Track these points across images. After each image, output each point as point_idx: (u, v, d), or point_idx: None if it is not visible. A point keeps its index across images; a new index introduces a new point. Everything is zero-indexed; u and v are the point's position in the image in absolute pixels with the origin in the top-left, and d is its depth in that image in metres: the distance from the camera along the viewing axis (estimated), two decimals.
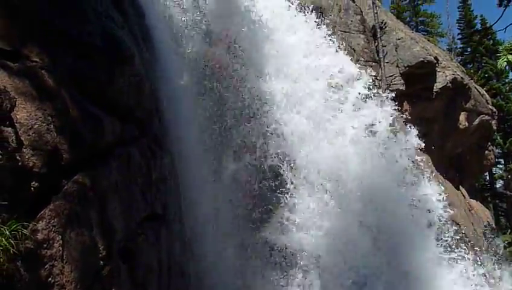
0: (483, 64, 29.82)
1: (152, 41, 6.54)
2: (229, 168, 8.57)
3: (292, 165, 9.07)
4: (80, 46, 4.23)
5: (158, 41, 6.75)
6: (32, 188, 3.20)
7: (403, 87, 15.52)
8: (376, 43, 15.59)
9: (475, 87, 19.10)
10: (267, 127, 9.17)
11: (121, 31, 5.26)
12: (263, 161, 8.94)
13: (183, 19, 8.23)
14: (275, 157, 8.99)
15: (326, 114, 10.05)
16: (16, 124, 3.12)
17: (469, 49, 31.48)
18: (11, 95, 3.08)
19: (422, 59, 15.74)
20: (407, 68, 15.62)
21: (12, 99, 3.07)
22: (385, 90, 14.18)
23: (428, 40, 20.53)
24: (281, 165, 8.96)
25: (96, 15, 4.77)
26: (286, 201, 8.80)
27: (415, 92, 15.84)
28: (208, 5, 8.94)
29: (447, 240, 10.83)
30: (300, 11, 11.35)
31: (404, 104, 15.41)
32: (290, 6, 11.29)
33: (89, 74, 4.18)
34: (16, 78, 3.27)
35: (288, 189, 8.88)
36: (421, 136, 11.74)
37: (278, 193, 8.85)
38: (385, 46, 15.69)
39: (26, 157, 3.16)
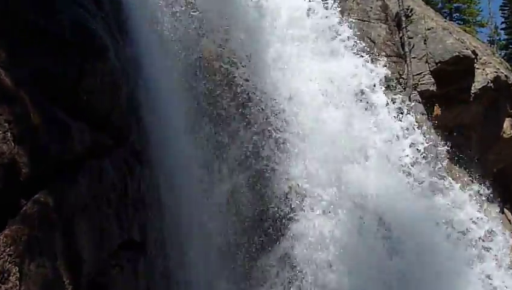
0: None
1: (130, 32, 6.63)
2: (224, 185, 8.66)
3: (303, 183, 9.21)
4: (46, 39, 4.29)
5: (137, 32, 6.84)
6: None
7: (433, 88, 15.61)
8: (401, 35, 15.71)
9: None
10: (273, 136, 9.31)
11: (93, 20, 5.35)
12: (268, 175, 9.07)
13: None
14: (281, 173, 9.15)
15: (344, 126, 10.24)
16: None
17: None
18: None
19: (457, 54, 15.84)
20: (439, 64, 15.71)
21: None
22: (412, 90, 14.29)
23: (465, 31, 20.67)
24: (289, 185, 9.11)
25: (65, 2, 4.85)
26: (292, 227, 8.93)
27: (449, 94, 15.92)
28: None
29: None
30: None
31: (435, 107, 15.50)
32: None
33: (54, 72, 4.23)
34: None
35: (295, 213, 9.01)
36: (456, 146, 11.83)
37: (285, 217, 8.97)
38: (412, 37, 15.81)
39: None
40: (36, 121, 3.78)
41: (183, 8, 8.42)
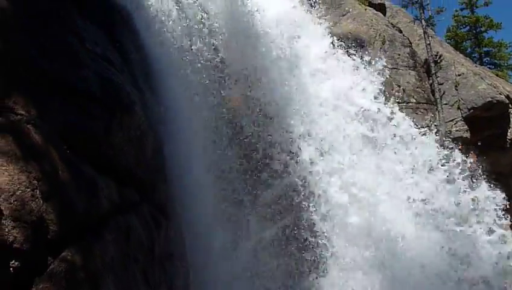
0: None
1: (156, 84, 6.82)
2: (250, 241, 8.62)
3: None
4: (73, 95, 4.46)
5: (163, 84, 7.03)
6: (11, 268, 3.27)
7: (467, 135, 15.48)
8: (431, 81, 15.77)
9: None
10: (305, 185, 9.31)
11: (120, 74, 5.54)
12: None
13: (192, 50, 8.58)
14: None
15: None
16: None
17: None
18: None
19: (490, 99, 15.77)
20: (472, 111, 15.64)
21: None
22: (445, 138, 14.18)
23: (497, 75, 20.65)
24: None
25: (92, 57, 5.05)
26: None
27: (484, 140, 15.74)
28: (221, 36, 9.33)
29: None
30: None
31: (471, 155, 15.30)
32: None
33: (82, 127, 4.36)
34: None
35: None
36: None
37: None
38: (442, 84, 15.85)
39: (6, 230, 3.26)
40: (64, 177, 3.86)
41: (208, 62, 8.63)
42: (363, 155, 10.50)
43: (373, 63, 11.88)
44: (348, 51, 11.87)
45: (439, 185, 10.96)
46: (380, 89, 11.59)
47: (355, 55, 11.88)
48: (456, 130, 15.28)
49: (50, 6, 4.77)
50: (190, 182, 7.03)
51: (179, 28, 8.01)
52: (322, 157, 9.88)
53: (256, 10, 9.78)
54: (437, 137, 11.96)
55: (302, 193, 9.40)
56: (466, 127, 15.57)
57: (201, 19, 8.70)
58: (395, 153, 10.89)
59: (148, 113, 5.83)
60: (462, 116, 15.67)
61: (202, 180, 7.68)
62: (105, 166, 4.66)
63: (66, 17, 5.05)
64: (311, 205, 9.32)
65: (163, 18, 7.70)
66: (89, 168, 4.34)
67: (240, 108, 9.50)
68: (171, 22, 7.85)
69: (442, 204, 10.65)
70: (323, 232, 9.19)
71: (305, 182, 9.49)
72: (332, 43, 11.83)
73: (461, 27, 29.42)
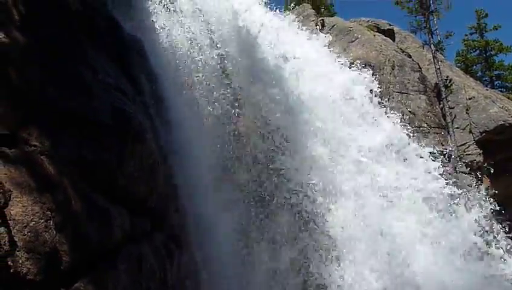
0: None
1: (167, 112, 6.88)
2: (265, 262, 8.59)
3: None
4: (85, 126, 4.50)
5: (174, 112, 7.08)
6: None
7: (480, 158, 15.39)
8: (441, 105, 15.77)
9: None
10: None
11: (131, 104, 5.59)
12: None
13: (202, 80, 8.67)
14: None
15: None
16: (9, 222, 3.28)
17: None
18: (5, 188, 3.27)
19: (502, 122, 15.71)
20: (484, 134, 15.58)
21: (7, 193, 3.25)
22: (457, 162, 14.10)
23: (509, 98, 20.57)
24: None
25: (103, 88, 5.11)
26: None
27: (497, 164, 15.62)
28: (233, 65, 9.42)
29: None
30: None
31: (484, 179, 15.17)
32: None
33: (95, 158, 4.39)
34: (12, 166, 3.48)
35: None
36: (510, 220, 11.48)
37: None
38: (453, 108, 15.84)
39: (20, 262, 3.28)
40: (77, 208, 3.89)
41: (220, 90, 8.71)
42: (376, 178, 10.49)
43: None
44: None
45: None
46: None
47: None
48: (469, 154, 15.19)
49: (63, 39, 4.86)
50: (202, 210, 7.02)
51: (190, 58, 8.11)
52: (333, 181, 9.86)
53: (269, 44, 9.90)
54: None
55: (316, 218, 9.35)
56: (479, 150, 15.49)
57: (214, 51, 8.81)
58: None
59: (160, 142, 5.87)
60: (474, 140, 15.60)
61: (213, 209, 7.67)
62: (118, 195, 4.68)
63: (78, 49, 5.14)
64: (325, 229, 9.30)
65: (174, 48, 7.81)
66: (101, 198, 4.36)
67: (252, 136, 9.53)
68: (182, 52, 7.95)
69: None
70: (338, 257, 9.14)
71: (317, 204, 9.46)
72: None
73: (471, 51, 29.46)
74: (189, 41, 8.23)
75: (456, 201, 11.16)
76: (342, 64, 12.29)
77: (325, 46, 12.47)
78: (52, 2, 5.14)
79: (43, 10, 4.90)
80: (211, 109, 8.52)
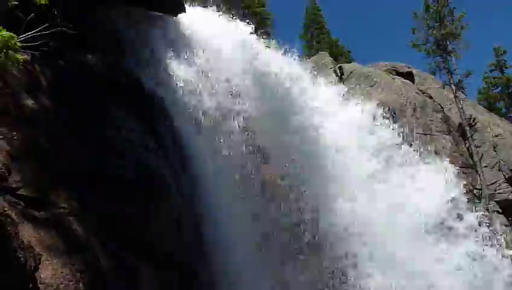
0: None
1: (191, 165, 6.92)
2: None
3: None
4: (111, 183, 4.58)
5: (198, 164, 7.11)
6: None
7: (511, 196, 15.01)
8: (467, 144, 15.54)
9: None
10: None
11: (155, 159, 5.67)
12: None
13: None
14: None
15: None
16: (39, 286, 3.30)
17: None
18: (35, 252, 3.31)
19: None
20: None
21: (37, 257, 3.29)
22: (488, 201, 13.80)
23: None
24: None
25: (128, 145, 5.21)
26: None
27: None
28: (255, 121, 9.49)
29: None
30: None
31: None
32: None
33: (121, 215, 4.44)
34: (41, 229, 3.54)
35: None
36: None
37: None
38: (479, 146, 15.58)
39: None
40: (106, 267, 3.90)
41: (240, 138, 8.75)
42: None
43: None
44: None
45: None
46: None
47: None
48: (499, 193, 14.83)
49: (88, 101, 5.02)
50: (233, 263, 6.95)
51: (212, 110, 8.21)
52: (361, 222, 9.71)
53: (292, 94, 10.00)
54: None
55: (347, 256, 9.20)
56: (510, 188, 15.12)
57: (234, 104, 8.91)
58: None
59: (186, 196, 5.90)
60: (504, 178, 15.25)
61: (245, 260, 7.59)
62: (145, 250, 4.70)
63: (103, 108, 5.29)
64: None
65: (195, 102, 7.92)
66: (129, 255, 4.38)
67: (277, 185, 9.50)
68: (204, 106, 8.05)
69: None
70: None
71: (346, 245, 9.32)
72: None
73: (493, 88, 29.24)
74: (211, 95, 8.33)
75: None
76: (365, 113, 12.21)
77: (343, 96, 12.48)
78: (77, 67, 5.34)
79: (68, 75, 5.10)
80: (236, 161, 8.54)
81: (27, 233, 3.43)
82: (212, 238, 6.46)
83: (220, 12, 10.20)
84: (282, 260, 8.62)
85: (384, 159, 11.21)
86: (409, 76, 17.47)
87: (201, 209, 6.43)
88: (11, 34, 3.55)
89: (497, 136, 16.28)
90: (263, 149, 9.57)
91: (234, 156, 8.50)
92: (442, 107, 15.88)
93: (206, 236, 6.35)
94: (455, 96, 16.75)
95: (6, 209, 3.04)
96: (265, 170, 9.55)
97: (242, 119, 9.04)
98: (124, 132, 5.42)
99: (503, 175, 15.49)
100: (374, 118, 12.13)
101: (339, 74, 15.41)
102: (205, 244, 6.24)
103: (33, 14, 4.02)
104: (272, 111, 9.74)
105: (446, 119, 15.28)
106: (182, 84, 7.92)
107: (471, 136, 15.52)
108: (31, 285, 3.21)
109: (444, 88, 18.28)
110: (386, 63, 17.99)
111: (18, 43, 3.63)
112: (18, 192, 3.63)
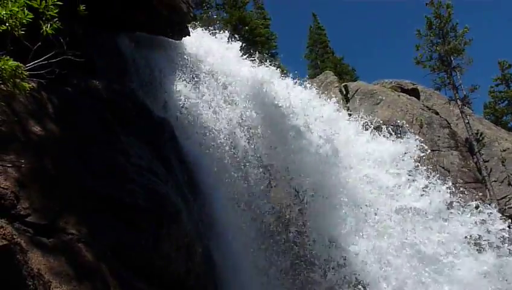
0: None
1: (200, 190, 6.91)
2: None
3: None
4: (121, 209, 4.55)
5: (207, 189, 7.10)
6: None
7: None
8: (475, 159, 15.47)
9: None
10: None
11: (164, 185, 5.65)
12: None
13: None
14: None
15: None
16: None
17: None
18: (45, 279, 3.27)
19: None
20: None
21: (46, 284, 3.25)
22: (500, 217, 13.66)
23: None
24: None
25: (137, 171, 5.20)
26: None
27: None
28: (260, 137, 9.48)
29: None
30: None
31: None
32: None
33: (131, 241, 4.40)
34: (50, 256, 3.50)
35: None
36: None
37: None
38: (488, 161, 15.52)
39: None
40: None
41: (251, 163, 8.74)
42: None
43: None
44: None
45: None
46: None
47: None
48: (510, 207, 14.71)
49: (96, 127, 5.02)
50: (243, 284, 6.89)
51: (222, 136, 8.21)
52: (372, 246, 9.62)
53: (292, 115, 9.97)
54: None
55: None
56: None
57: (244, 134, 8.92)
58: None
59: (195, 221, 5.87)
60: None
61: (255, 284, 7.52)
62: (156, 276, 4.64)
63: (111, 135, 5.29)
64: None
65: (203, 127, 7.92)
66: (139, 282, 4.33)
67: (285, 211, 9.48)
68: (211, 132, 8.05)
69: None
70: None
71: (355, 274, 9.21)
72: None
73: (499, 102, 29.24)
74: (218, 121, 8.33)
75: None
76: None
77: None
78: (84, 93, 5.36)
79: (75, 101, 5.11)
80: (246, 186, 8.51)
81: (36, 260, 3.40)
82: (223, 263, 6.42)
83: (226, 34, 10.29)
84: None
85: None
86: (414, 92, 17.51)
87: (212, 235, 6.41)
88: (18, 63, 3.60)
89: (505, 150, 16.24)
90: (272, 171, 9.56)
91: (243, 179, 8.49)
92: (448, 123, 15.88)
93: (217, 262, 6.32)
94: (461, 112, 16.75)
95: (15, 237, 3.01)
96: (274, 192, 9.54)
97: (249, 142, 9.04)
98: (133, 158, 5.41)
99: None
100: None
101: (344, 92, 15.47)
102: (216, 270, 6.20)
103: (40, 43, 4.06)
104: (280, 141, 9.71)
105: (453, 135, 15.26)
106: (189, 108, 7.94)
107: (479, 151, 15.48)
108: None
109: (449, 104, 18.30)
110: (391, 80, 18.07)
111: (25, 72, 3.68)
112: (27, 219, 3.60)
